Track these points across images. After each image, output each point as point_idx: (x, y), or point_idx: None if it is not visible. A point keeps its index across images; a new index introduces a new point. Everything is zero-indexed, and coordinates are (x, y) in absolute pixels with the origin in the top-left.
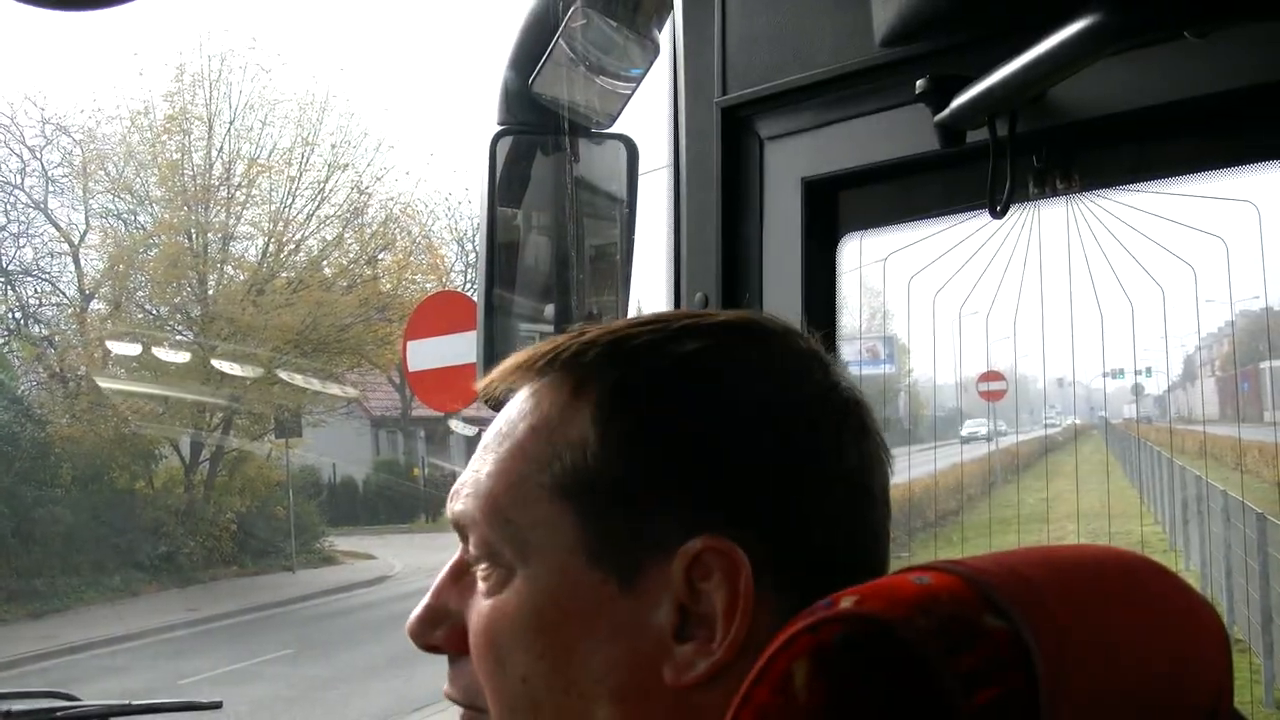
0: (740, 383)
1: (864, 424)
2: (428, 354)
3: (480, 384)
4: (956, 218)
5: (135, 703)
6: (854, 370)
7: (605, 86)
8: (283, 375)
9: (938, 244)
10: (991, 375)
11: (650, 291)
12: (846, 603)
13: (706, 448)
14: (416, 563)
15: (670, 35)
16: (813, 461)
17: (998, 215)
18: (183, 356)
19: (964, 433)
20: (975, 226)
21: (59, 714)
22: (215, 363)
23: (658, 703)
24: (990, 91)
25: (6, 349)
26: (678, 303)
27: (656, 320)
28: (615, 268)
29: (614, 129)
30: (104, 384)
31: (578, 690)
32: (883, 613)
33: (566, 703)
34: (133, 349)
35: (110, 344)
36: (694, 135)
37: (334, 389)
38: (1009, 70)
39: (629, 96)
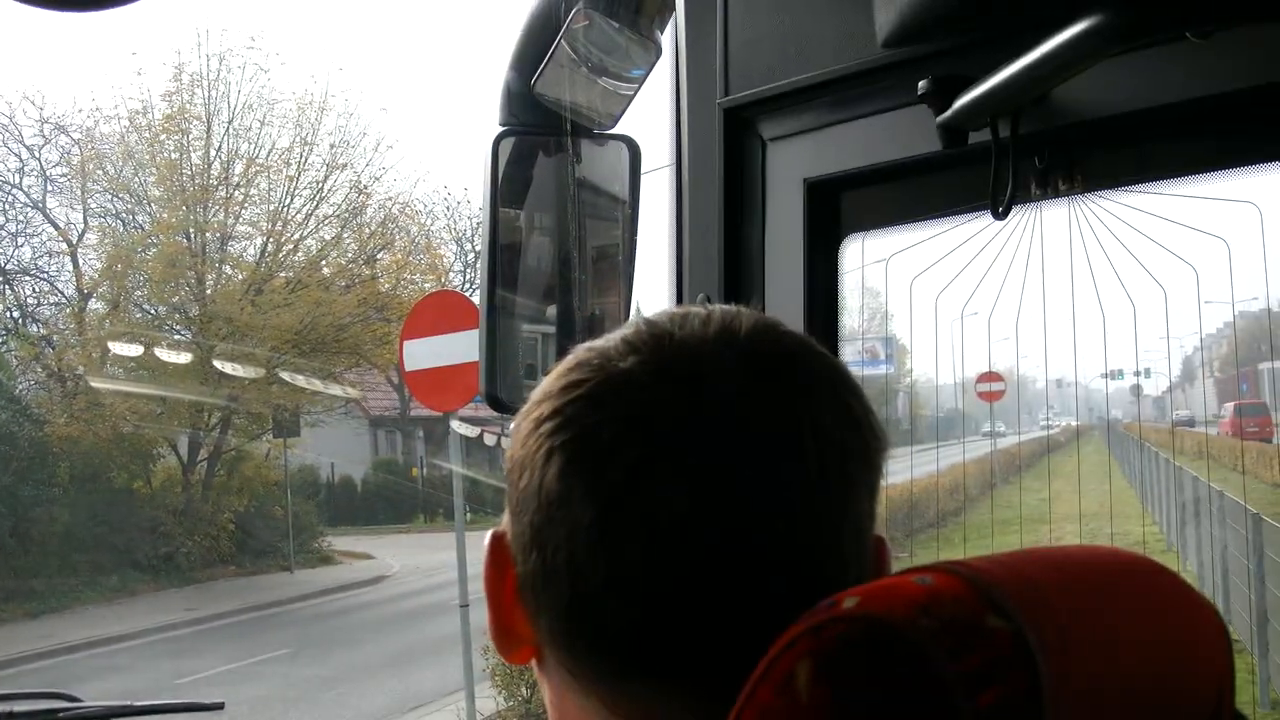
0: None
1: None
2: (425, 353)
3: None
4: (959, 219)
5: (136, 703)
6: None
7: (607, 87)
8: (281, 375)
9: (940, 245)
10: (990, 376)
11: (652, 292)
12: (849, 603)
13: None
14: (414, 563)
15: (672, 36)
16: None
17: (1000, 216)
18: (181, 356)
19: None
20: (978, 228)
21: (61, 714)
22: (214, 362)
23: None
24: (992, 92)
25: (4, 348)
26: (679, 303)
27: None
28: (618, 269)
29: (616, 130)
30: (101, 384)
31: None
32: (885, 613)
33: None
34: (131, 348)
35: (108, 343)
36: (696, 136)
37: (332, 389)
38: (1011, 71)
39: (631, 97)
